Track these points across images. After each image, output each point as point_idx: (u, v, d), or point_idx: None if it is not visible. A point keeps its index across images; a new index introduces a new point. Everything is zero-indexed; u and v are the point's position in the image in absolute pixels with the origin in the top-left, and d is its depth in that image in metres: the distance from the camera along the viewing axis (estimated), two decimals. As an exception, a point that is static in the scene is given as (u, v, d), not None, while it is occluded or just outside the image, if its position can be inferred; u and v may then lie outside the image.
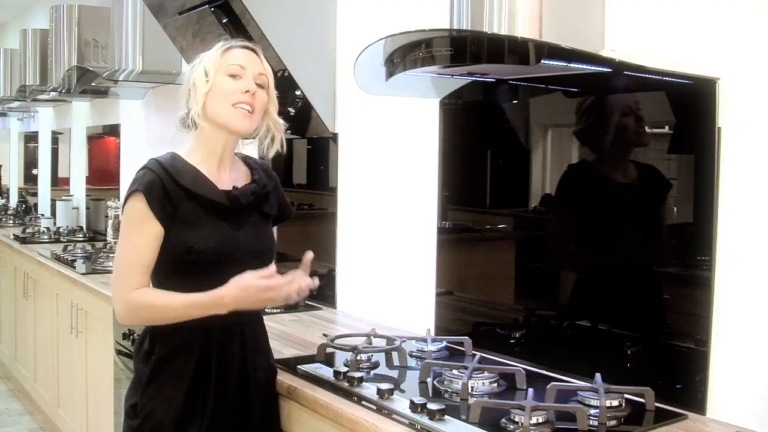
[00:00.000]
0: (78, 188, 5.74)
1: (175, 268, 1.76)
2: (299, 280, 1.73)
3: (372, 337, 2.15)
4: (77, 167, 5.80)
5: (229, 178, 1.85)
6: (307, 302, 2.83)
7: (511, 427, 1.53)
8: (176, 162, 1.79)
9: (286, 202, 2.01)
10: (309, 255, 1.80)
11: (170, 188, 1.74)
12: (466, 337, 2.14)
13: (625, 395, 1.67)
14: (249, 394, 1.82)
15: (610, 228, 1.93)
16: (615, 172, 1.93)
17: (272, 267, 1.74)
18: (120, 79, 4.00)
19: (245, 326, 1.82)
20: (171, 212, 1.73)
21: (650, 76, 1.70)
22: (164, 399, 1.75)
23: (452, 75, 2.04)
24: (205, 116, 1.79)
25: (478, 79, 2.10)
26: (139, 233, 1.73)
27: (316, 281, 1.78)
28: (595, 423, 1.56)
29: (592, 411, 1.59)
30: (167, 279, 1.77)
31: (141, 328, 1.89)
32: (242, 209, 1.82)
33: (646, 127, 1.83)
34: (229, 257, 1.76)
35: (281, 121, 1.89)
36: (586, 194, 1.99)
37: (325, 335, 2.22)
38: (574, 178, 2.00)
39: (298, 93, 2.81)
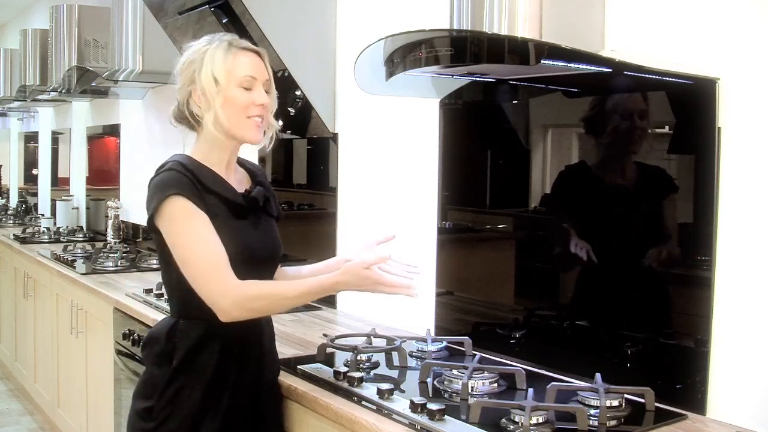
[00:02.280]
0: (78, 188, 5.74)
1: None
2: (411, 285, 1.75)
3: (372, 337, 2.15)
4: (77, 167, 5.80)
5: (234, 179, 1.87)
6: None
7: (511, 427, 1.53)
8: (193, 163, 1.79)
9: (278, 204, 2.02)
10: (390, 235, 1.90)
11: (198, 187, 1.74)
12: (466, 337, 2.14)
13: (625, 395, 1.66)
14: (261, 395, 1.83)
15: (610, 228, 1.93)
16: (616, 172, 1.93)
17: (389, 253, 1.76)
18: (120, 79, 3.99)
19: (263, 334, 1.85)
20: (205, 209, 1.73)
21: (650, 76, 1.70)
22: (181, 403, 1.74)
23: (452, 75, 2.04)
24: (218, 126, 1.77)
25: (478, 79, 2.10)
26: (200, 227, 1.70)
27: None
28: (595, 423, 1.55)
29: (592, 411, 1.59)
30: None
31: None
32: (257, 210, 1.85)
33: (648, 131, 1.83)
34: (252, 256, 1.77)
35: (276, 123, 1.88)
36: (587, 194, 1.99)
37: (325, 335, 2.22)
38: (573, 178, 2.00)
39: (298, 93, 2.81)
